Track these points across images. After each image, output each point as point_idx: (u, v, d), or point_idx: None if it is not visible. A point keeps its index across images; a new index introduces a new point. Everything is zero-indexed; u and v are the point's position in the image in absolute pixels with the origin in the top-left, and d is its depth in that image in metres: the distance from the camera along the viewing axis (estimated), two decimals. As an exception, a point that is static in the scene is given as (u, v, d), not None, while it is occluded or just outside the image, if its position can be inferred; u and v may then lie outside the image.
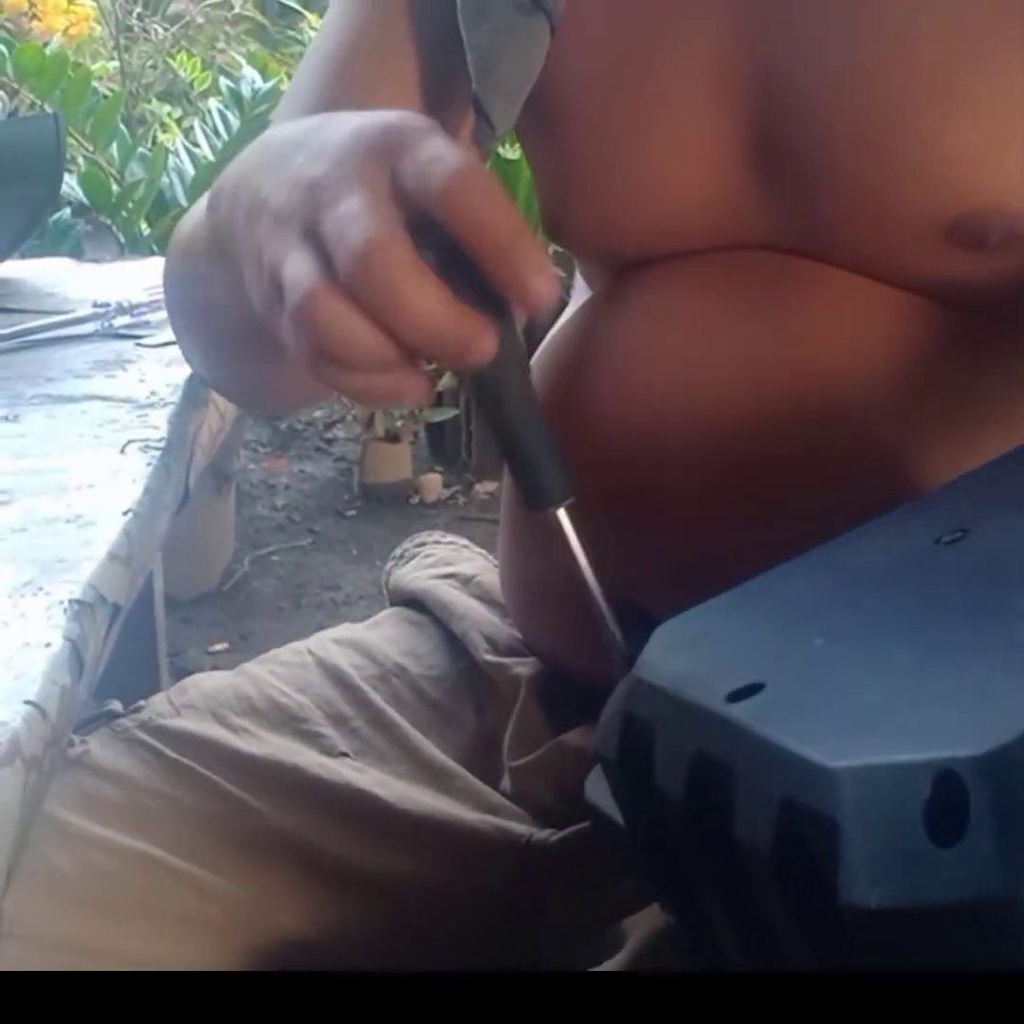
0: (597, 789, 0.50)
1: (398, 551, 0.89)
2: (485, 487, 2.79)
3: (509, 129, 0.70)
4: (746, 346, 0.65)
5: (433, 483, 2.83)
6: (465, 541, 0.90)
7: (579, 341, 0.72)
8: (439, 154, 0.47)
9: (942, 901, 0.36)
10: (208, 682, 0.77)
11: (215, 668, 2.03)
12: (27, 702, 0.52)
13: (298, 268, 0.47)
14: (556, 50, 0.68)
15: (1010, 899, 0.35)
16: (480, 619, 0.80)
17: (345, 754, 0.73)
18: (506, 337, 0.48)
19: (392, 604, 0.86)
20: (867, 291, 0.65)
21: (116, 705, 0.74)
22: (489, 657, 0.77)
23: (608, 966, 0.61)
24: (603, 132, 0.69)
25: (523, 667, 0.75)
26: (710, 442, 0.64)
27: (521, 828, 0.69)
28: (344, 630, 0.83)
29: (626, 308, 0.70)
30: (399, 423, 2.73)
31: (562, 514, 0.54)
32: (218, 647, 2.26)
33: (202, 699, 0.74)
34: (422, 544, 0.89)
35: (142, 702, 0.75)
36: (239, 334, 0.63)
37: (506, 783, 0.72)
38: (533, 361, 0.74)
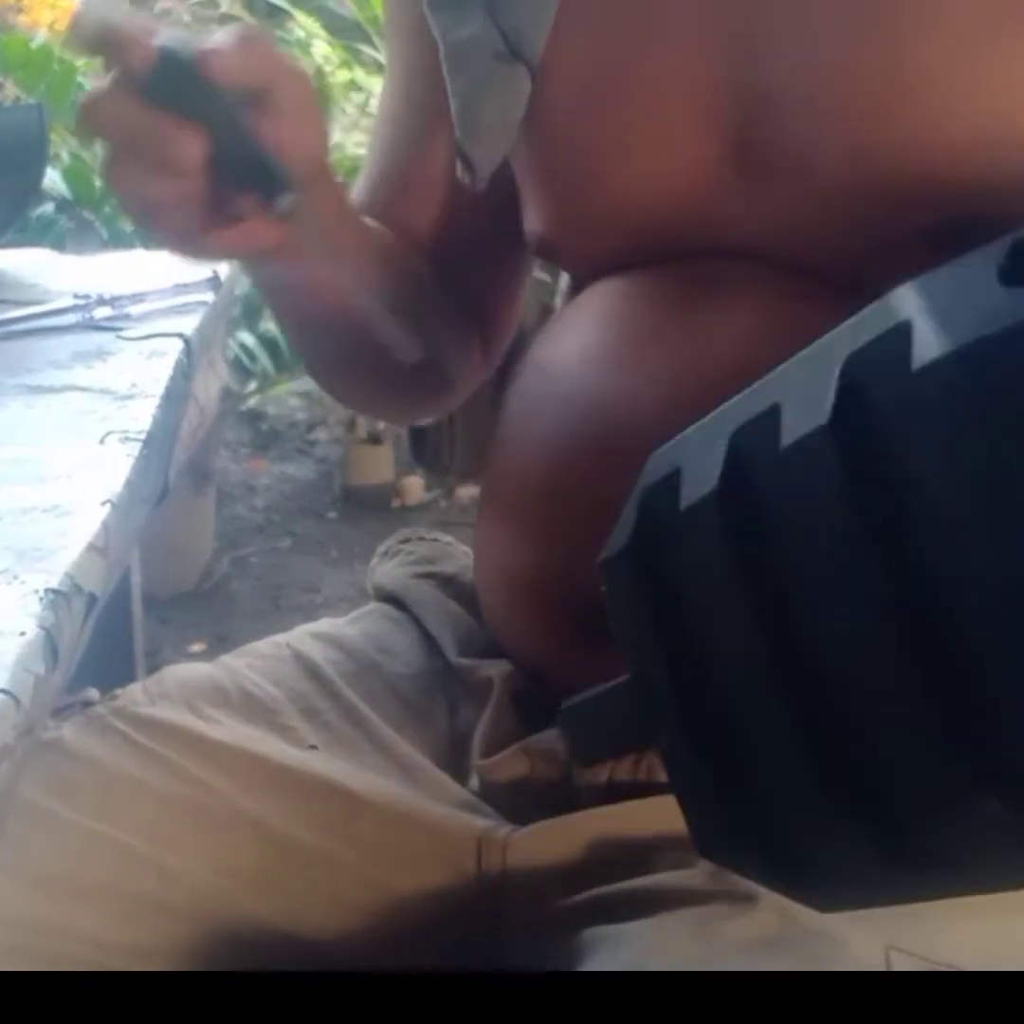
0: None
1: (383, 548, 0.89)
2: (467, 491, 2.78)
3: (492, 172, 0.72)
4: (713, 354, 0.66)
5: (415, 486, 2.83)
6: (450, 539, 0.89)
7: (550, 347, 0.73)
8: None
9: (1018, 321, 0.36)
10: (184, 672, 0.77)
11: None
12: (0, 690, 0.51)
13: None
14: (543, 75, 0.68)
15: None
16: (456, 620, 0.81)
17: (314, 747, 0.73)
18: (210, 108, 0.58)
19: (375, 600, 0.86)
20: (844, 298, 0.65)
21: (92, 693, 0.75)
22: (461, 659, 0.78)
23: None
24: (591, 150, 0.70)
25: (495, 668, 0.75)
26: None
27: (482, 822, 0.69)
28: (324, 625, 0.84)
29: (595, 317, 0.71)
30: (381, 426, 2.73)
31: (291, 208, 0.60)
32: (195, 647, 2.25)
33: (177, 689, 0.75)
34: (407, 540, 0.89)
35: (118, 690, 0.75)
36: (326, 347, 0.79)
37: (474, 781, 0.73)
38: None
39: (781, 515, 0.42)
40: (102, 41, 0.59)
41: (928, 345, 0.37)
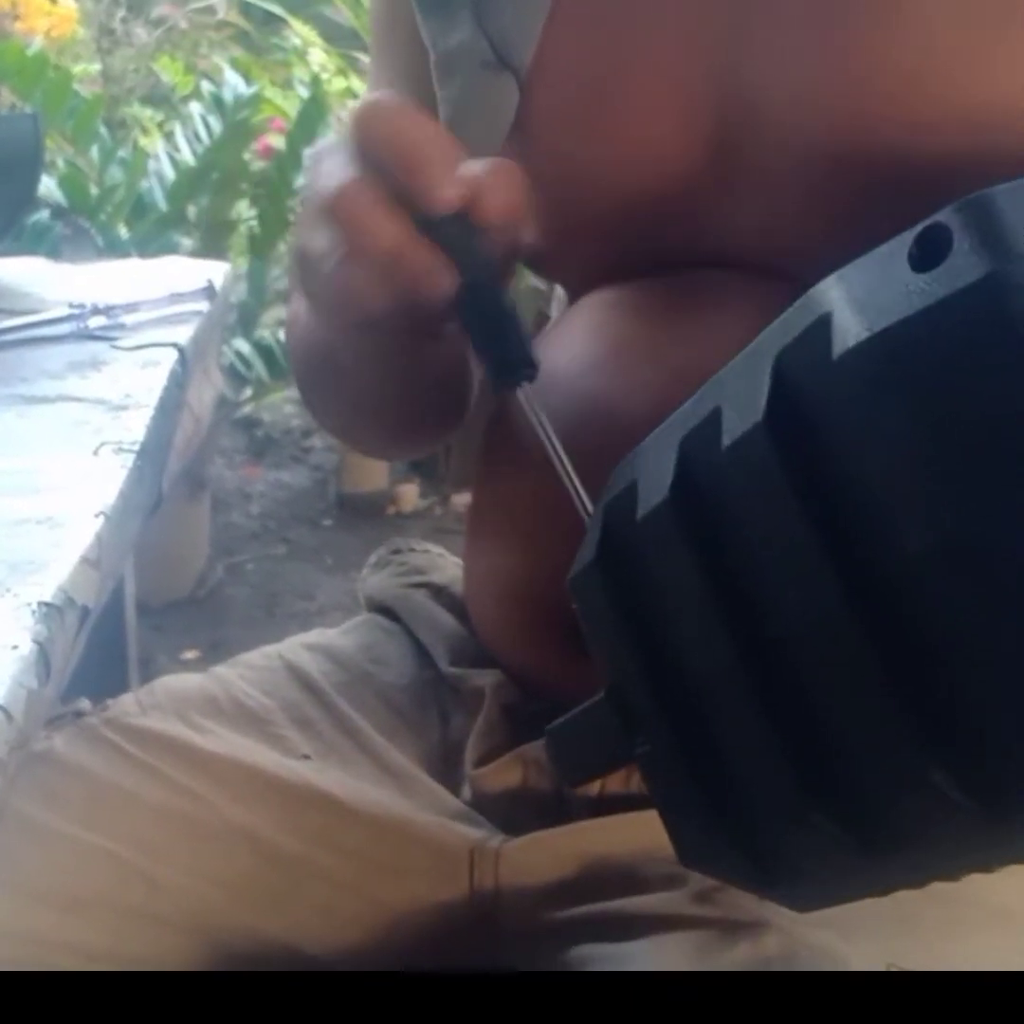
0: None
1: (374, 558, 0.89)
2: (462, 498, 2.78)
3: None
4: (704, 364, 0.65)
5: (410, 494, 2.83)
6: (441, 550, 0.90)
7: (541, 358, 0.73)
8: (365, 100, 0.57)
9: (927, 305, 0.37)
10: (176, 683, 0.77)
11: (186, 676, 2.02)
12: (-8, 705, 0.51)
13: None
14: (530, 84, 0.68)
15: (992, 276, 0.36)
16: (448, 630, 0.81)
17: (307, 756, 0.73)
18: (469, 250, 0.55)
19: (367, 611, 0.86)
20: None
21: (84, 704, 0.74)
22: (452, 669, 0.78)
23: None
24: (576, 159, 0.70)
25: (486, 678, 0.75)
26: None
27: (476, 833, 0.69)
28: (316, 635, 0.84)
29: (586, 329, 0.72)
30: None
31: (524, 392, 0.59)
32: (189, 655, 2.25)
33: (169, 699, 0.75)
34: (398, 551, 0.89)
35: (110, 700, 0.74)
36: (367, 389, 0.74)
37: (466, 791, 0.73)
38: None
39: (731, 516, 0.43)
40: (402, 156, 0.54)
41: (846, 334, 0.39)
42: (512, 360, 0.58)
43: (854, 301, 0.39)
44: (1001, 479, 0.36)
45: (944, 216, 0.38)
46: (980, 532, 0.37)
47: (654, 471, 0.47)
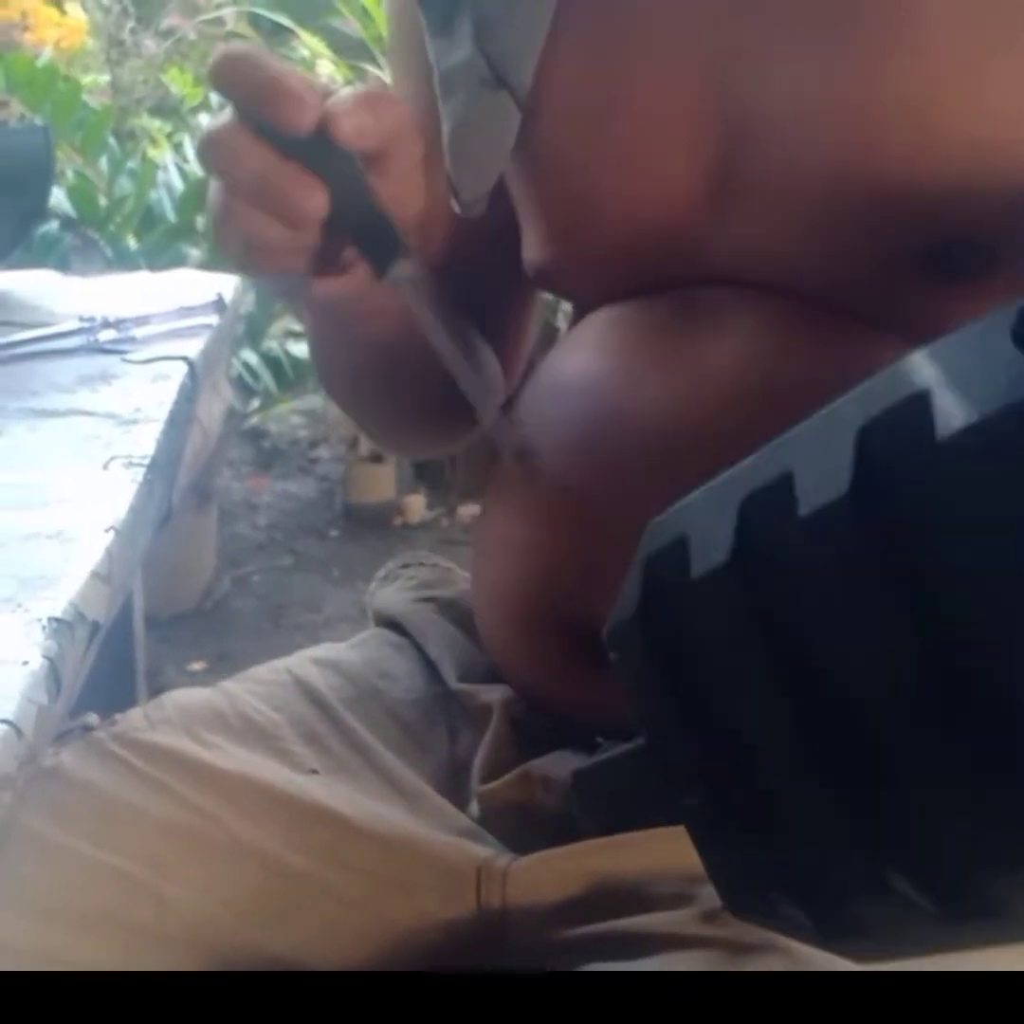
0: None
1: (382, 572, 0.89)
2: (469, 509, 2.78)
3: (480, 198, 0.72)
4: (709, 382, 0.66)
5: (416, 504, 2.83)
6: (450, 564, 0.89)
7: (549, 374, 0.73)
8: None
9: None
10: (184, 698, 0.77)
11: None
12: (2, 721, 0.51)
13: None
14: (534, 104, 0.68)
15: None
16: (456, 645, 0.81)
17: (315, 772, 0.73)
18: (333, 166, 0.58)
19: (375, 625, 0.86)
20: (830, 325, 0.66)
21: (92, 718, 0.74)
22: (461, 684, 0.77)
23: None
24: (580, 180, 0.70)
25: (494, 694, 0.75)
26: (674, 471, 0.64)
27: (484, 851, 0.69)
28: (324, 650, 0.83)
29: (593, 345, 0.72)
30: (385, 444, 2.73)
31: (404, 277, 0.61)
32: (196, 666, 2.25)
33: (177, 714, 0.74)
34: (407, 565, 0.89)
35: (118, 715, 0.74)
36: (359, 373, 0.78)
37: (474, 808, 0.72)
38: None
39: (799, 585, 0.41)
40: (255, 88, 0.57)
41: (951, 415, 0.37)
42: (388, 249, 0.61)
43: (954, 380, 0.38)
44: None
45: None
46: None
47: (708, 530, 0.45)
